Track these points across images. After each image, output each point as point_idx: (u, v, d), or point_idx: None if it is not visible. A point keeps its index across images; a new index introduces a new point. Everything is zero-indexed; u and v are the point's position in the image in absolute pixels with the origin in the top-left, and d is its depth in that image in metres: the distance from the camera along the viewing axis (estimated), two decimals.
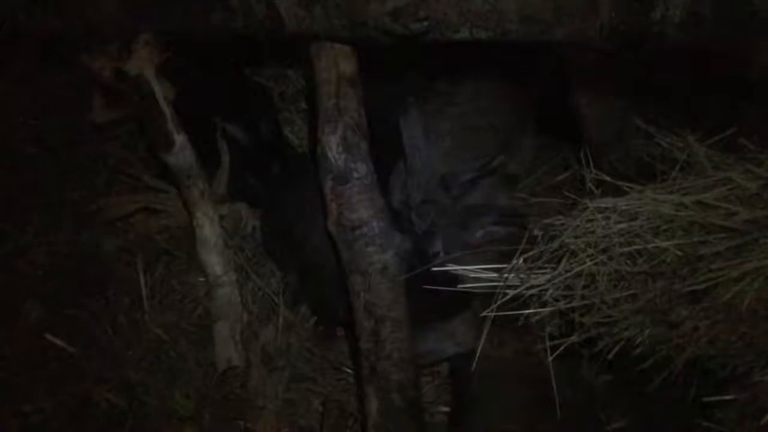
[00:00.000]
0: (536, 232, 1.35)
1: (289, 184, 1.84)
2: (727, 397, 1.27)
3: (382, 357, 1.45)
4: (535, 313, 1.35)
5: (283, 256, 1.87)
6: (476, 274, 1.48)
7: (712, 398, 1.29)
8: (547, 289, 1.32)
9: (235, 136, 1.86)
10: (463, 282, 1.50)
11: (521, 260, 1.36)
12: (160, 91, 1.65)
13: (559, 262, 1.32)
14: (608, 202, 1.29)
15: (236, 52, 1.97)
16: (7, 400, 1.63)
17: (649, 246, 1.22)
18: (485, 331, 1.40)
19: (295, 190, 1.80)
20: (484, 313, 1.39)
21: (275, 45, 2.03)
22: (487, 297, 1.39)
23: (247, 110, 1.92)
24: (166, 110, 1.66)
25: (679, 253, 1.20)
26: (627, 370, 1.36)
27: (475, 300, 1.57)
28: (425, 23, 1.42)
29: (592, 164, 1.37)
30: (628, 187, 1.30)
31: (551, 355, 1.35)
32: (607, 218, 1.27)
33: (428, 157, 1.72)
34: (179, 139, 1.68)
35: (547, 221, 1.35)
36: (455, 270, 1.52)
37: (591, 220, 1.28)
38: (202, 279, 1.82)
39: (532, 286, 1.33)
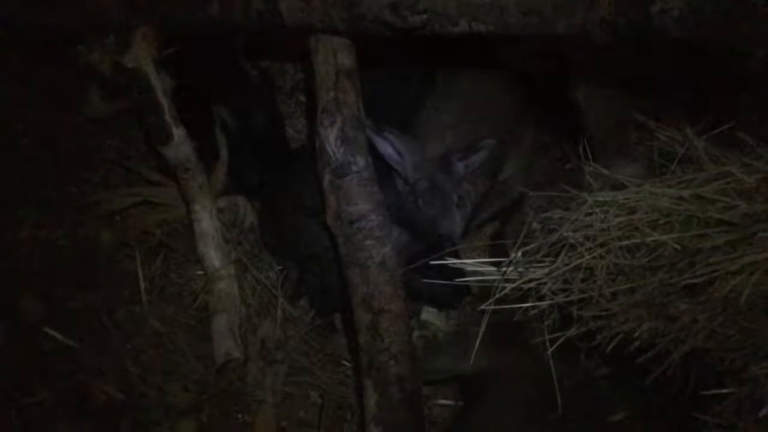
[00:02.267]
0: (535, 225, 1.35)
1: (288, 177, 1.84)
2: (725, 390, 1.27)
3: (381, 350, 1.44)
4: (533, 307, 1.35)
5: (281, 250, 1.87)
6: (475, 267, 1.48)
7: (710, 391, 1.29)
8: (545, 283, 1.32)
9: (232, 129, 1.86)
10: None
11: (520, 254, 1.36)
12: (159, 84, 1.65)
13: (557, 255, 1.32)
14: (607, 195, 1.29)
15: (235, 44, 1.96)
16: (6, 393, 1.63)
17: (648, 239, 1.22)
18: (483, 325, 1.40)
19: (294, 183, 1.80)
20: (482, 307, 1.39)
21: (274, 38, 2.02)
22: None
23: (246, 103, 1.91)
24: (164, 103, 1.66)
25: (678, 246, 1.20)
26: (625, 364, 1.35)
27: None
28: (424, 16, 1.42)
29: (591, 158, 1.37)
30: (626, 180, 1.30)
31: (550, 348, 1.35)
32: (606, 212, 1.27)
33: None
34: (177, 132, 1.68)
35: (545, 214, 1.35)
36: (455, 263, 1.52)
37: (589, 214, 1.29)
38: (200, 272, 1.82)
39: (531, 280, 1.34)
